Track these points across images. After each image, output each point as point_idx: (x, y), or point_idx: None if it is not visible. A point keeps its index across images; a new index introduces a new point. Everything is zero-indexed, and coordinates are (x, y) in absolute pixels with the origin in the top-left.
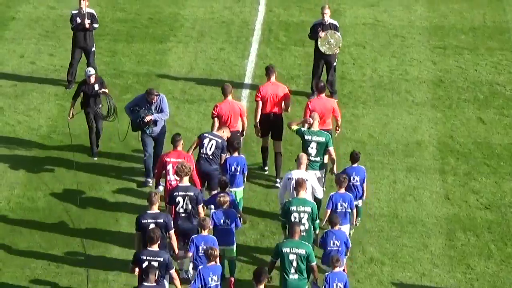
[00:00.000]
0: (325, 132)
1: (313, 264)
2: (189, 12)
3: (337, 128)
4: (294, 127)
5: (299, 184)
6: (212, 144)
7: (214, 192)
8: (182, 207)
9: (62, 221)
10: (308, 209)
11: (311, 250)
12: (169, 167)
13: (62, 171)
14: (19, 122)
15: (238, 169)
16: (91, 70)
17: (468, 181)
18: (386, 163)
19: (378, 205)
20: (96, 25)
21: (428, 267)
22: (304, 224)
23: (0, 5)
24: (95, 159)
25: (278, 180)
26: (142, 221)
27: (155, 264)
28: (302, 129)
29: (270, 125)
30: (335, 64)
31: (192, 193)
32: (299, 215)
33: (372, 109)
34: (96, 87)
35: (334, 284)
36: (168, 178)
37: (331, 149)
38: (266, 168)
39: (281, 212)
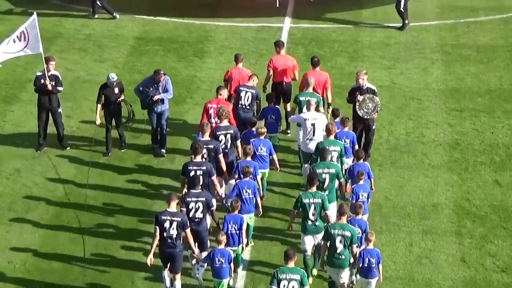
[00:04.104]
0: (317, 94)
1: (342, 180)
2: (206, 74)
3: (328, 107)
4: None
5: (330, 129)
6: (248, 96)
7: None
8: (224, 143)
9: (78, 282)
10: (338, 148)
11: (339, 169)
12: (211, 111)
13: (78, 232)
14: (36, 183)
15: (274, 117)
16: (114, 77)
17: (485, 244)
18: (402, 226)
19: (394, 267)
20: (60, 88)
21: None
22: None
23: (18, 67)
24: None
25: (289, 131)
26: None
27: (199, 172)
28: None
29: (282, 92)
30: (374, 127)
31: (232, 131)
32: (331, 153)
33: (389, 172)
34: (116, 90)
35: (360, 194)
36: (210, 121)
37: (321, 109)
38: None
39: (314, 152)
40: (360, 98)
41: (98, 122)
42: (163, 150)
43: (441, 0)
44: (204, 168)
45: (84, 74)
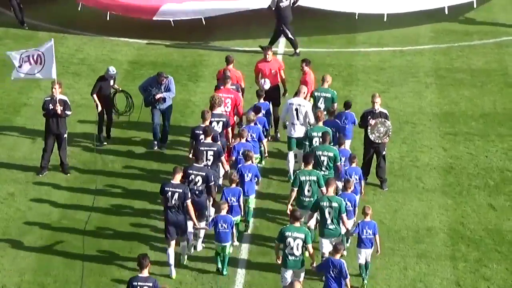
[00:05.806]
0: (331, 90)
1: (338, 164)
2: (200, 99)
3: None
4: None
5: (318, 116)
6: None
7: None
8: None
9: None
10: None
11: (337, 153)
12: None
13: (72, 256)
14: (30, 207)
15: (264, 112)
16: (114, 70)
17: (479, 267)
18: (396, 250)
19: None
20: (68, 112)
21: None
22: None
23: (12, 92)
24: (106, 143)
25: (277, 131)
26: (196, 131)
27: (210, 153)
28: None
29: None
30: (384, 152)
31: (224, 119)
32: (319, 139)
33: (383, 196)
34: (111, 82)
35: (353, 177)
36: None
37: (335, 105)
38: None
39: (303, 136)
40: (372, 122)
41: (99, 109)
42: (163, 145)
43: (435, 24)
44: (215, 148)
45: (78, 98)
